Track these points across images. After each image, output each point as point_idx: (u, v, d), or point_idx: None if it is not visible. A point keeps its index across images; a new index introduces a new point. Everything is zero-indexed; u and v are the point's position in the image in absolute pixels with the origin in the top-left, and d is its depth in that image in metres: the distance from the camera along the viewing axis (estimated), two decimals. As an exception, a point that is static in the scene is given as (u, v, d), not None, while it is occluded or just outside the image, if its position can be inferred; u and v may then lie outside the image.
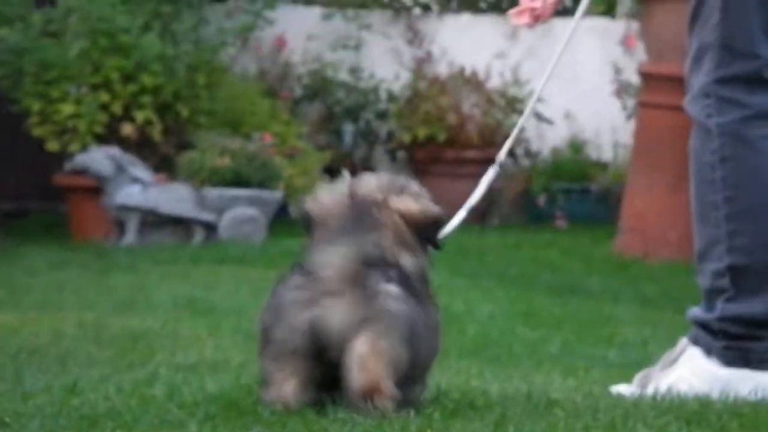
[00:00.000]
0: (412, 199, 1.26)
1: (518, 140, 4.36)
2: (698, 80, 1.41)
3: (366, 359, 1.13)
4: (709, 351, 1.41)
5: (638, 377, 1.46)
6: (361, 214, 1.21)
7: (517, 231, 4.03)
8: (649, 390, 1.39)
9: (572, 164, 4.30)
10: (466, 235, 4.06)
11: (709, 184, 1.44)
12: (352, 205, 1.23)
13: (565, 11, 4.12)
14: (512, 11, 1.45)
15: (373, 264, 1.17)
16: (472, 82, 4.39)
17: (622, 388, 1.44)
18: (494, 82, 4.39)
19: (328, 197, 1.25)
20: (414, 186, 1.28)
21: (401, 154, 4.48)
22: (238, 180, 3.62)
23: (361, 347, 1.14)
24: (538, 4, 1.45)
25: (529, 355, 1.84)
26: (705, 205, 1.45)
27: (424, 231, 1.25)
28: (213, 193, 3.59)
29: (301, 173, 3.88)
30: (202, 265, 3.08)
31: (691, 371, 1.40)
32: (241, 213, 3.59)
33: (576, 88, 4.69)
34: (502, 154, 1.50)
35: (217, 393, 1.19)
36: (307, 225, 1.26)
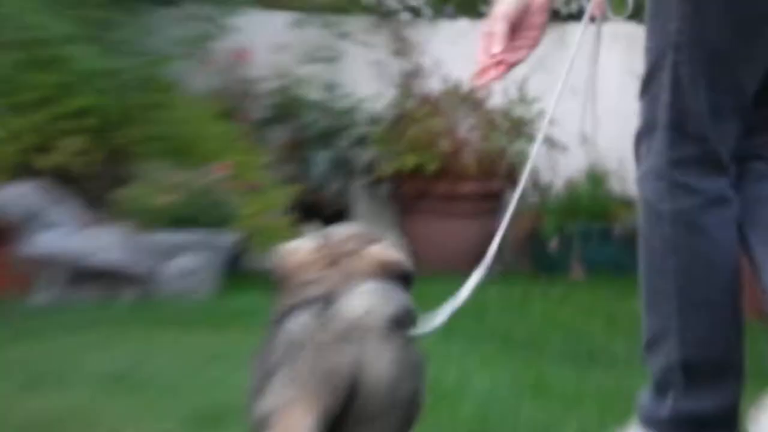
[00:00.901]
0: (387, 248, 1.38)
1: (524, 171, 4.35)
2: (650, 157, 1.50)
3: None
4: None
5: None
6: (338, 264, 1.29)
7: (523, 283, 3.98)
8: None
9: (591, 200, 4.27)
10: (460, 284, 4.00)
11: (659, 272, 1.53)
12: (325, 256, 1.32)
13: (580, 13, 4.17)
14: (473, 75, 1.45)
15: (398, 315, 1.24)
16: (470, 100, 4.39)
17: None
18: (496, 101, 4.39)
19: (300, 247, 1.36)
20: (390, 238, 1.40)
21: (383, 188, 4.46)
22: (183, 221, 3.58)
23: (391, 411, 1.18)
24: (497, 50, 1.45)
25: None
26: (655, 294, 1.54)
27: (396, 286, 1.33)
28: (151, 238, 3.55)
29: (262, 212, 3.85)
30: (134, 328, 3.01)
31: None
32: (185, 262, 3.54)
33: (595, 107, 4.68)
34: (492, 250, 1.56)
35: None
36: (275, 280, 1.36)
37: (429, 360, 1.32)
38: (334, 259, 1.30)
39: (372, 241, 1.37)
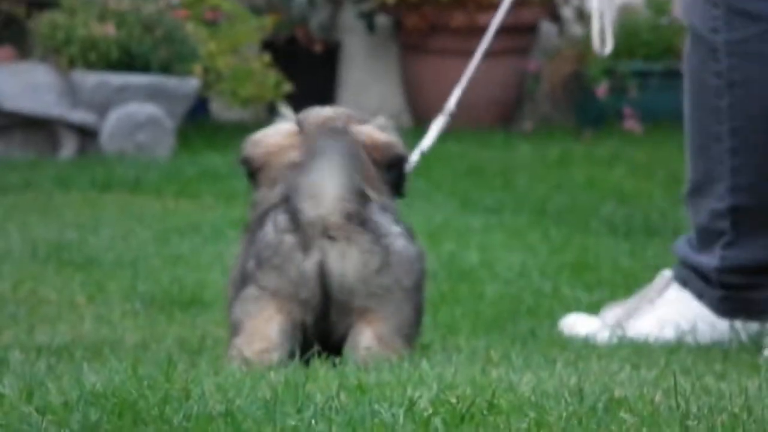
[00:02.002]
0: (378, 129, 1.55)
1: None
2: None
3: (371, 357, 1.47)
4: (700, 297, 1.73)
5: (604, 312, 1.79)
6: (321, 145, 1.50)
7: (562, 139, 4.02)
8: (629, 331, 1.72)
9: (652, 32, 4.22)
10: (483, 147, 4.06)
11: (711, 111, 1.67)
12: (304, 138, 1.53)
13: None
14: None
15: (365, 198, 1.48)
16: None
17: (581, 323, 1.75)
18: None
19: (270, 134, 1.56)
20: (379, 118, 1.57)
21: (383, 20, 4.43)
22: (128, 60, 3.57)
23: (365, 340, 1.49)
24: None
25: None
26: (705, 134, 1.69)
27: (388, 171, 1.55)
28: (90, 79, 3.53)
29: (228, 50, 3.83)
30: (75, 192, 3.06)
31: (681, 315, 1.72)
32: (136, 111, 3.55)
33: None
34: (452, 101, 1.76)
35: (100, 390, 1.19)
36: (249, 172, 1.56)
37: (444, 234, 1.46)
38: (317, 140, 1.50)
39: (356, 122, 1.54)
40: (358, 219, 1.47)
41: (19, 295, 1.96)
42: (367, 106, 4.47)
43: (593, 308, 1.93)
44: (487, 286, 2.13)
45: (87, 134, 3.54)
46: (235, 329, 1.49)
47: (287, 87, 3.89)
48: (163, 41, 3.55)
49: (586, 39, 4.23)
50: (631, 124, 4.11)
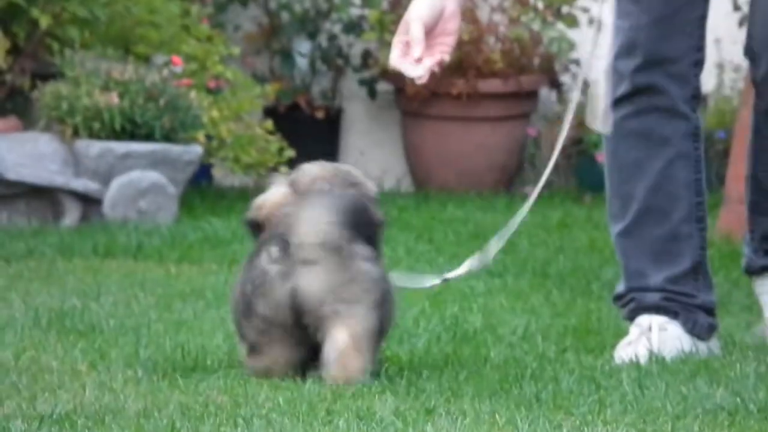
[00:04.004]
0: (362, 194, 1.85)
1: (566, 62, 4.34)
2: None
3: (346, 355, 1.75)
4: None
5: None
6: (310, 196, 1.81)
7: (563, 203, 4.03)
8: None
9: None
10: (486, 210, 4.06)
11: None
12: (296, 196, 1.82)
13: None
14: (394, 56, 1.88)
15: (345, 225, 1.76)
16: (495, -28, 4.36)
17: None
18: (528, -27, 4.37)
19: (269, 197, 1.83)
20: (357, 175, 1.86)
21: (384, 87, 4.47)
22: (132, 129, 3.59)
23: (340, 339, 1.75)
24: (417, 54, 1.91)
25: (588, 392, 1.85)
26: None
27: (364, 231, 1.82)
28: (93, 147, 3.56)
29: (231, 117, 3.87)
30: (77, 259, 3.05)
31: None
32: (138, 178, 3.56)
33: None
34: (549, 168, 2.10)
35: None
36: (253, 232, 1.85)
37: (448, 296, 1.80)
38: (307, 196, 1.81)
39: (343, 180, 1.84)
40: (333, 246, 1.74)
41: (20, 363, 1.95)
42: (369, 172, 4.49)
43: (600, 372, 1.92)
44: (491, 349, 2.12)
45: (90, 202, 3.55)
46: (248, 348, 1.81)
47: (289, 153, 3.92)
48: (166, 109, 3.58)
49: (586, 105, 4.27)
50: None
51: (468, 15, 4.23)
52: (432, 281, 2.00)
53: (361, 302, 1.75)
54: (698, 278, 2.07)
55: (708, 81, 4.36)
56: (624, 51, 2.05)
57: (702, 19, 2.04)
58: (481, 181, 4.25)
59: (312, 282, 1.74)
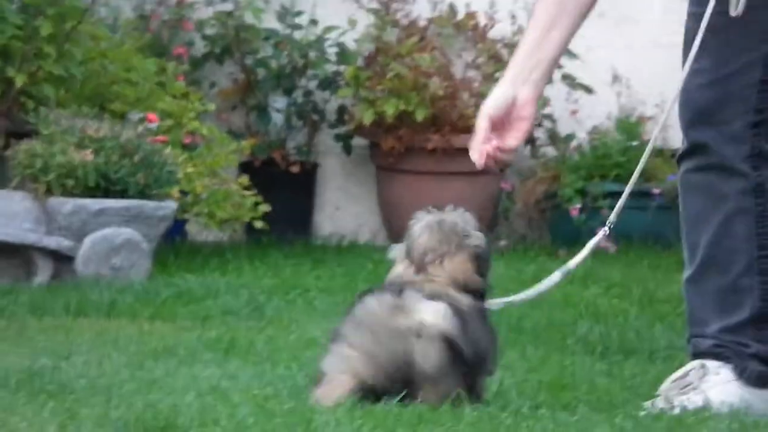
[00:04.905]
0: (466, 260, 2.04)
1: (541, 118, 4.38)
2: None
3: (434, 399, 1.97)
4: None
5: None
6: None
7: (537, 257, 4.04)
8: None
9: (622, 154, 4.31)
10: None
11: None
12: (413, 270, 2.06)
13: None
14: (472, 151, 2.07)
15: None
16: (468, 29, 4.42)
17: None
18: (502, 29, 4.42)
19: (392, 272, 2.07)
20: (465, 229, 2.06)
21: (360, 142, 4.49)
22: (106, 186, 3.59)
23: (430, 394, 1.96)
24: (477, 145, 2.06)
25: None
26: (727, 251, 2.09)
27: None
28: (67, 205, 3.56)
29: (206, 173, 3.87)
30: (48, 318, 3.03)
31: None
32: (112, 235, 3.56)
33: (630, 37, 4.69)
34: (615, 212, 2.18)
35: None
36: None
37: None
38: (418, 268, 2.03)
39: (453, 247, 2.03)
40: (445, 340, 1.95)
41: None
42: (344, 226, 4.50)
43: (574, 429, 1.91)
44: (466, 405, 2.11)
45: (62, 259, 3.54)
46: None
47: (264, 207, 3.92)
48: (141, 166, 3.58)
49: (560, 161, 4.32)
50: (605, 244, 4.16)
51: (442, 71, 4.27)
52: (521, 295, 2.13)
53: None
54: (761, 328, 2.10)
55: (679, 137, 4.37)
56: (681, 106, 2.12)
57: (762, 83, 2.07)
58: (457, 236, 4.26)
59: (428, 359, 1.94)
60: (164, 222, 3.62)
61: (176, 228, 3.95)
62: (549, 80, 2.13)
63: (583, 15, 2.06)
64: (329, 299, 3.30)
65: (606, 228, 2.11)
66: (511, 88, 2.04)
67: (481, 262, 2.03)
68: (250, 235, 4.16)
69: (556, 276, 2.11)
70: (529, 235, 4.37)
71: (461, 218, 2.04)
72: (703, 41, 2.06)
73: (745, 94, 2.07)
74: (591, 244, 2.10)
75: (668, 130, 4.35)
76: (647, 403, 2.12)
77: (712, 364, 2.11)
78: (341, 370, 1.93)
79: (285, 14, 4.40)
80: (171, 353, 2.55)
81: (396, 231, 4.39)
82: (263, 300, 3.24)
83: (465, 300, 1.99)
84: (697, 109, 2.09)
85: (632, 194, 4.68)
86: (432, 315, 1.95)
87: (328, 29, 4.39)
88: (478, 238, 2.03)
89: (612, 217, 2.14)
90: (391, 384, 1.94)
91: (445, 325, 1.95)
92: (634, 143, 4.30)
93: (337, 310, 3.18)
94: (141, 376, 2.31)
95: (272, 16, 4.38)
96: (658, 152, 4.30)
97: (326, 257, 4.00)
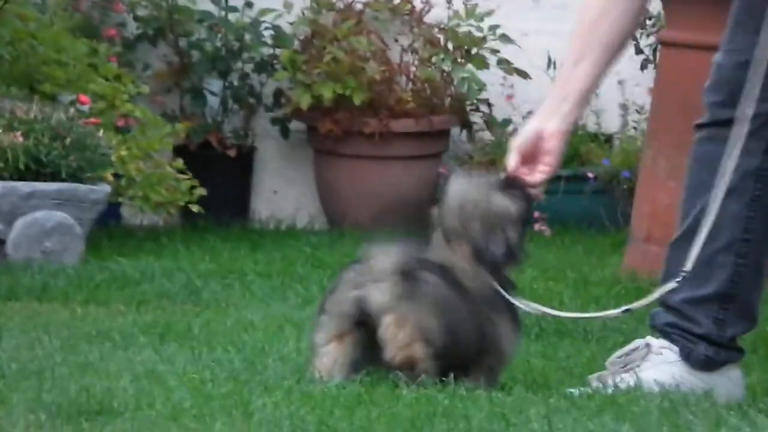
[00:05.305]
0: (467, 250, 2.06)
1: (477, 103, 4.40)
2: None
3: (395, 330, 1.97)
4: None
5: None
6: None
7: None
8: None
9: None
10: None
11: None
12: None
13: None
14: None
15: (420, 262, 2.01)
16: (405, 12, 4.42)
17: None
18: (438, 14, 4.43)
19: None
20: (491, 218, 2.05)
21: (297, 126, 4.47)
22: (38, 168, 3.53)
23: (388, 320, 1.97)
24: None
25: (498, 428, 1.84)
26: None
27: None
28: (-4, 188, 3.51)
29: (140, 156, 3.83)
30: (-21, 302, 2.98)
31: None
32: (43, 218, 3.50)
33: (564, 23, 4.70)
34: (691, 258, 2.13)
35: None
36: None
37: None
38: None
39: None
40: (399, 269, 2.01)
41: None
42: (282, 210, 4.48)
43: (510, 409, 1.93)
44: (404, 387, 2.12)
45: (-7, 243, 3.47)
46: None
47: (201, 191, 3.89)
48: (73, 149, 3.53)
49: (496, 146, 4.35)
50: (541, 228, 4.20)
51: (379, 55, 4.27)
52: (615, 311, 2.09)
53: (412, 310, 1.96)
54: (723, 307, 2.11)
55: (613, 122, 4.47)
56: (711, 86, 2.12)
57: None
58: (395, 219, 4.26)
59: (374, 294, 1.97)
60: (98, 205, 3.57)
61: (110, 211, 3.90)
62: (580, 115, 2.13)
63: (611, 49, 2.06)
64: (267, 283, 3.28)
65: (677, 281, 2.09)
66: (539, 122, 2.05)
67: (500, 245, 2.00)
68: (186, 219, 4.13)
69: (614, 312, 2.10)
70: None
71: (487, 192, 2.01)
72: (740, 21, 2.06)
73: None
74: (659, 292, 2.09)
75: (601, 115, 4.43)
76: (592, 377, 2.15)
77: (657, 343, 2.13)
78: (327, 340, 2.01)
79: (220, -5, 4.36)
80: (105, 337, 2.52)
81: (334, 215, 4.38)
82: (200, 284, 3.21)
83: (476, 278, 1.99)
84: (728, 88, 2.08)
85: (567, 178, 4.76)
86: (379, 293, 1.98)
87: (264, 12, 4.35)
88: (498, 217, 2.00)
89: (690, 261, 2.09)
90: (362, 338, 1.99)
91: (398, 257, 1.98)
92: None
93: (275, 295, 3.17)
94: (74, 360, 2.28)
95: (207, -2, 4.34)
96: (593, 137, 4.35)
97: (264, 241, 3.98)
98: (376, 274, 1.98)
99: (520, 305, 2.06)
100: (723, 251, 2.10)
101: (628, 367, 2.12)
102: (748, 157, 2.07)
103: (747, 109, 2.05)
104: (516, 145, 2.06)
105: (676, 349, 2.12)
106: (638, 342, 2.15)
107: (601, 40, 2.06)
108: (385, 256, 1.99)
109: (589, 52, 2.06)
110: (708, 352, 2.12)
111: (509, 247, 2.02)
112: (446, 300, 1.99)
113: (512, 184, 2.04)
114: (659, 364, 2.11)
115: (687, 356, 2.11)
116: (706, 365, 2.12)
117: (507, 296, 2.03)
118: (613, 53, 2.08)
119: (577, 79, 2.06)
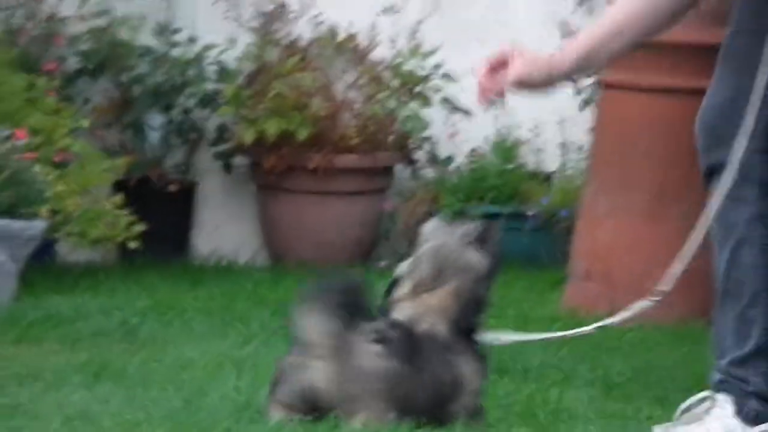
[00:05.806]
0: (448, 296, 2.14)
1: (420, 140, 4.41)
2: None
3: (347, 418, 2.03)
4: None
5: None
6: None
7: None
8: None
9: (499, 177, 4.36)
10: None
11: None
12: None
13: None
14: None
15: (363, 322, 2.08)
16: (350, 50, 4.43)
17: None
18: (383, 52, 4.45)
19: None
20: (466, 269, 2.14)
21: (240, 161, 4.44)
22: (-28, 202, 3.46)
23: (339, 412, 2.05)
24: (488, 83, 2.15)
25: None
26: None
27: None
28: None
29: (79, 191, 3.77)
30: None
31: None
32: (-25, 256, 3.44)
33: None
34: (670, 281, 2.15)
35: None
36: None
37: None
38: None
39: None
40: (338, 343, 2.09)
41: None
42: (223, 246, 4.44)
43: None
44: (344, 425, 2.09)
45: None
46: None
47: (140, 227, 3.84)
48: (7, 184, 3.47)
49: (438, 183, 4.36)
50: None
51: (324, 91, 4.27)
52: (587, 327, 2.13)
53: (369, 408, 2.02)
54: (764, 362, 2.12)
55: (552, 161, 4.51)
56: (698, 127, 2.12)
57: None
58: (338, 255, 4.25)
59: (320, 378, 2.03)
60: (32, 242, 3.51)
61: (45, 248, 3.83)
62: (566, 63, 2.15)
63: (618, 31, 2.10)
64: (207, 320, 3.24)
65: (651, 300, 2.13)
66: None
67: (471, 297, 2.08)
68: (125, 255, 4.07)
69: (587, 329, 2.14)
70: (407, 255, 4.38)
71: (462, 243, 2.08)
72: (721, 60, 2.07)
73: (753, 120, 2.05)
74: (636, 307, 2.12)
75: (540, 154, 4.47)
76: (658, 428, 2.14)
77: (720, 397, 2.14)
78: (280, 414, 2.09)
79: (162, 31, 4.33)
80: (36, 377, 2.46)
81: (277, 251, 4.35)
82: (137, 322, 3.16)
83: (444, 332, 2.05)
84: (710, 133, 2.08)
85: (507, 216, 4.77)
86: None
87: (208, 47, 4.34)
88: (468, 271, 2.08)
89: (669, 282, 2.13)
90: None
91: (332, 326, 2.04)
92: (510, 166, 4.36)
93: (215, 332, 3.13)
94: (3, 402, 2.22)
95: (149, 32, 4.31)
96: (532, 175, 4.38)
97: (204, 277, 3.93)
98: (316, 351, 2.01)
99: (493, 340, 2.12)
100: (749, 306, 2.09)
101: (689, 420, 2.12)
102: (747, 205, 2.06)
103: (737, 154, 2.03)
104: (488, 59, 2.17)
105: (732, 401, 2.13)
106: (702, 395, 2.15)
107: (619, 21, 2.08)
108: (321, 328, 2.02)
109: (599, 27, 2.10)
110: (758, 406, 2.12)
111: (478, 301, 2.10)
112: (388, 372, 2.03)
113: (484, 239, 2.09)
114: (721, 418, 2.11)
115: (739, 411, 2.12)
116: (758, 420, 2.12)
117: (480, 342, 2.10)
118: (621, 38, 2.09)
119: (577, 39, 2.14)
